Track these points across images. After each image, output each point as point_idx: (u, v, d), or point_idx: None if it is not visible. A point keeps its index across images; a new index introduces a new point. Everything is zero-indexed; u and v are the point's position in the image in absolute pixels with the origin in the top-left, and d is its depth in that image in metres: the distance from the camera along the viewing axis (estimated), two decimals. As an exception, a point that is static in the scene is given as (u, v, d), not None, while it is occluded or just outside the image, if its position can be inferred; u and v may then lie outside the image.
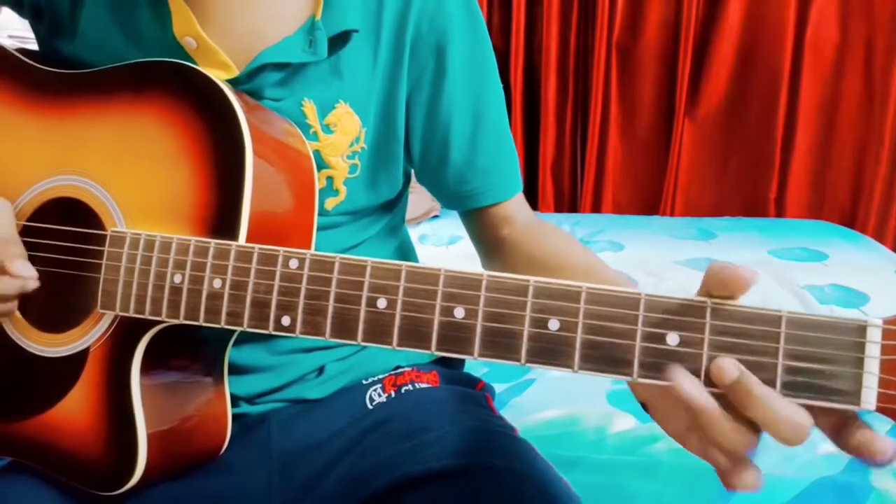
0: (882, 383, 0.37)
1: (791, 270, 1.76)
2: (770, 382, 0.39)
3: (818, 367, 0.38)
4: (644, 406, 0.48)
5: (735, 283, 0.39)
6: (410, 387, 0.71)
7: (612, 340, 0.41)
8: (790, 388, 0.39)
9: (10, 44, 0.69)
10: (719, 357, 0.39)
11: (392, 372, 0.73)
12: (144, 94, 0.59)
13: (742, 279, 0.39)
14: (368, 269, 0.46)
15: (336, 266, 0.47)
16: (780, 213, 2.60)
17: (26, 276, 0.57)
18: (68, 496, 0.60)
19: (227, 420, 0.63)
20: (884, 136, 2.41)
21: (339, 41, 0.64)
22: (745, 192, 2.63)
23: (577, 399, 1.12)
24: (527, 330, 0.42)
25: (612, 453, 0.99)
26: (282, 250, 0.49)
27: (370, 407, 0.69)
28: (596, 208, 2.77)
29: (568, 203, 2.86)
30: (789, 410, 0.38)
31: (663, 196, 2.67)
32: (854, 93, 2.46)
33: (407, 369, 0.73)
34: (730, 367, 0.38)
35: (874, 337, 0.37)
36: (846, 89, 2.46)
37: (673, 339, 0.40)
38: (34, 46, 0.72)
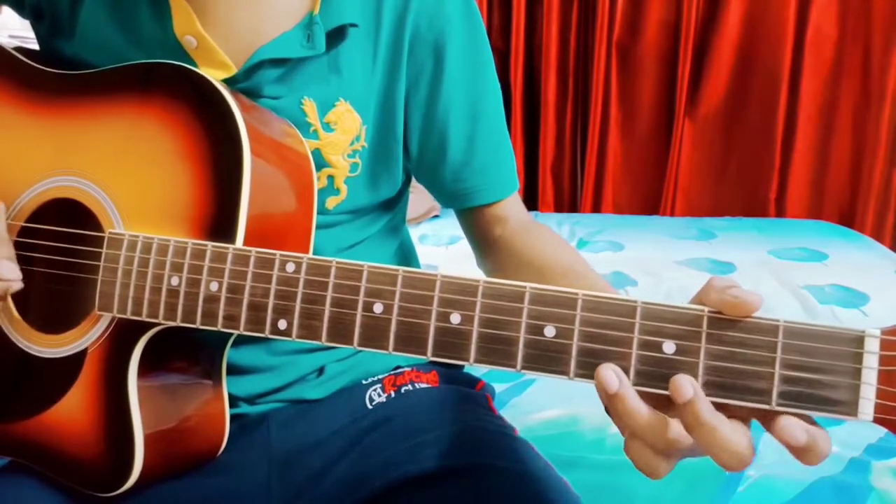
0: (879, 394, 0.37)
1: (791, 270, 1.76)
2: (766, 392, 0.39)
3: (815, 377, 0.38)
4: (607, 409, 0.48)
5: (743, 308, 0.39)
6: (410, 387, 0.71)
7: (609, 348, 0.41)
8: (787, 398, 0.38)
9: (11, 43, 0.69)
10: (676, 376, 0.39)
11: (392, 372, 0.73)
12: (142, 96, 0.58)
13: (750, 306, 0.39)
14: (365, 274, 0.46)
15: (333, 270, 0.47)
16: (780, 213, 2.60)
17: (10, 278, 0.58)
18: (67, 497, 0.60)
19: (225, 420, 0.63)
20: (880, 134, 2.41)
21: (337, 36, 0.64)
22: (745, 192, 2.63)
23: (577, 399, 1.12)
24: (523, 336, 0.42)
25: (612, 453, 0.99)
26: (279, 254, 0.49)
27: (370, 407, 0.69)
28: (596, 208, 2.77)
29: (568, 203, 2.86)
30: (734, 440, 0.38)
31: (663, 196, 2.67)
32: (853, 93, 2.46)
33: (407, 369, 0.73)
34: (686, 387, 0.38)
35: (872, 347, 0.37)
36: (845, 89, 2.47)
37: (669, 347, 0.40)
38: (35, 46, 0.72)
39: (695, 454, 0.40)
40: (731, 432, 0.38)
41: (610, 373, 0.40)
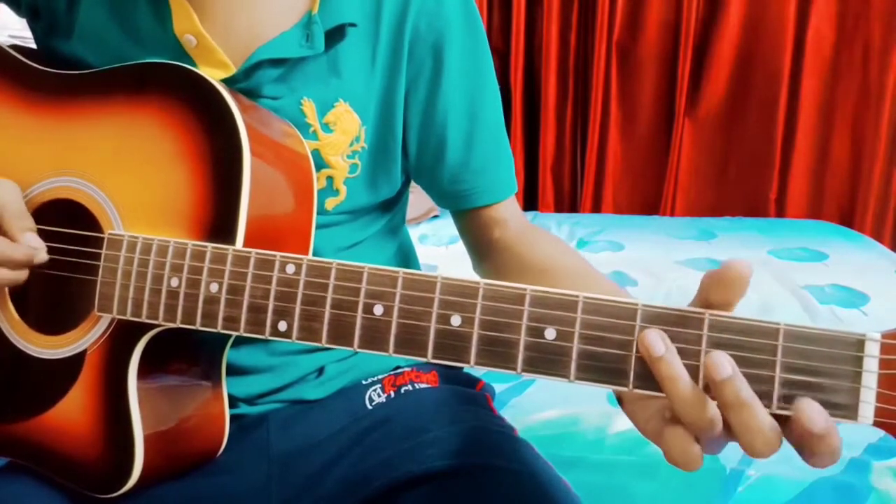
0: (879, 398, 0.37)
1: (791, 270, 1.76)
2: (767, 395, 0.39)
3: (816, 380, 0.38)
4: (619, 400, 0.48)
5: (736, 284, 0.39)
6: (410, 387, 0.71)
7: (609, 351, 0.41)
8: (787, 401, 0.38)
9: (9, 42, 0.69)
10: (714, 352, 0.39)
11: (392, 372, 0.73)
12: (142, 96, 0.58)
13: (743, 278, 0.39)
14: (365, 276, 0.46)
15: (333, 272, 0.47)
16: (780, 213, 2.60)
17: (37, 246, 0.58)
18: (66, 497, 0.60)
19: (225, 421, 0.63)
20: (880, 134, 2.41)
21: (335, 35, 0.64)
22: (745, 192, 2.63)
23: (577, 399, 1.12)
24: (523, 339, 0.42)
25: (612, 453, 0.99)
26: (279, 255, 0.49)
27: (369, 407, 0.69)
28: (596, 208, 2.76)
29: (568, 203, 2.86)
30: (767, 423, 0.38)
31: (663, 196, 2.67)
32: (853, 93, 2.46)
33: (406, 369, 0.73)
34: (724, 364, 0.38)
35: (872, 351, 0.37)
36: (845, 89, 2.46)
37: (671, 349, 0.40)
38: (34, 45, 0.72)
39: (720, 446, 0.40)
40: (766, 414, 0.38)
41: (656, 335, 0.39)
